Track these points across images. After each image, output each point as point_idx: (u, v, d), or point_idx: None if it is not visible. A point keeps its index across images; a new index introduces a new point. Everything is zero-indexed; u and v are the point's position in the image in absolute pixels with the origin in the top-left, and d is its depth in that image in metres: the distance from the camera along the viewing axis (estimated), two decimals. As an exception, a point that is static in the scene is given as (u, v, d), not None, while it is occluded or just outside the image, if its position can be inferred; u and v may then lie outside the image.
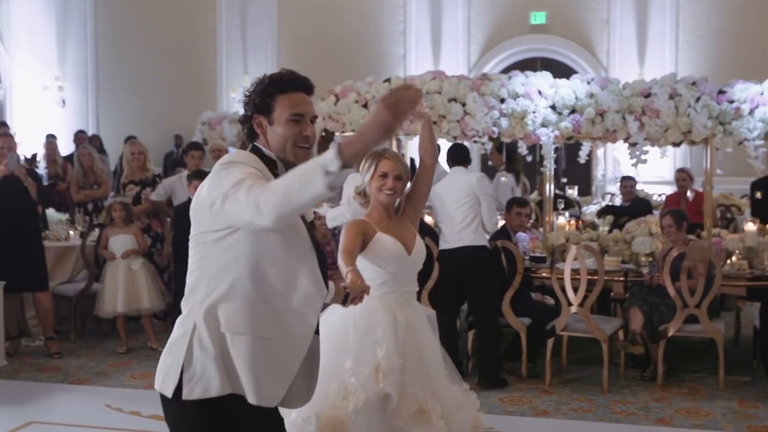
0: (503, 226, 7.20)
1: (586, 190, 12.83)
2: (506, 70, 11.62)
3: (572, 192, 10.59)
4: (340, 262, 3.55)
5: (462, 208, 6.63)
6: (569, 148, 10.24)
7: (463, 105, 7.69)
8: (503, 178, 9.21)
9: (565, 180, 10.78)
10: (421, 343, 3.80)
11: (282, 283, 2.76)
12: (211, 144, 9.52)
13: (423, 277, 7.03)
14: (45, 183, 9.41)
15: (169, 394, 2.74)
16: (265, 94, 2.84)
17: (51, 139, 11.06)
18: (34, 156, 10.09)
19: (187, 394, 2.71)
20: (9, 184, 7.30)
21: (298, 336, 2.82)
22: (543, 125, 7.59)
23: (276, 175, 2.75)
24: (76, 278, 8.34)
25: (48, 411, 6.07)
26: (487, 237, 6.85)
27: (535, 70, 8.23)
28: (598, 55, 15.15)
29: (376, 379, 3.59)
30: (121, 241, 7.75)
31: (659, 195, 11.41)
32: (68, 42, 17.50)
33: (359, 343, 3.68)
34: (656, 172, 12.46)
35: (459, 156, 6.87)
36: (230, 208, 2.58)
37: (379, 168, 3.85)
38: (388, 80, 8.16)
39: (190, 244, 2.81)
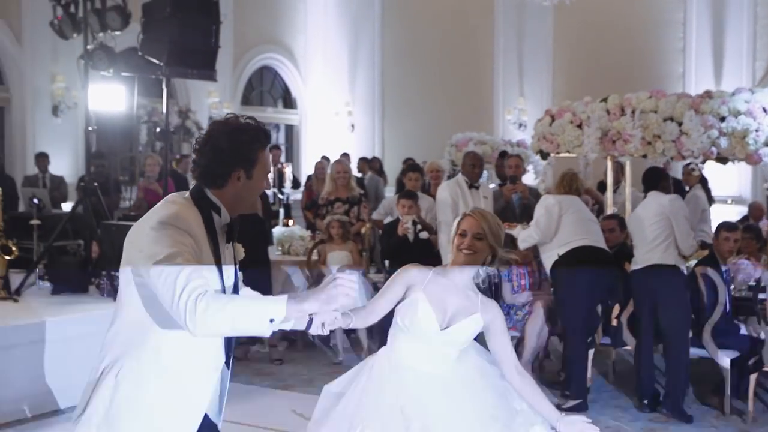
0: (711, 252, 6.74)
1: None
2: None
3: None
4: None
5: (652, 227, 6.40)
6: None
7: (680, 124, 7.31)
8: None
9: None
10: None
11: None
12: (429, 165, 9.73)
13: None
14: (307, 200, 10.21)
15: None
16: (250, 148, 2.83)
17: (276, 151, 11.88)
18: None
19: None
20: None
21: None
22: (766, 144, 7.02)
23: (212, 220, 2.84)
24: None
25: (236, 411, 6.51)
26: (684, 261, 6.51)
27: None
28: None
29: None
30: (337, 257, 8.15)
31: None
32: (358, 69, 18.56)
33: None
34: None
35: (652, 180, 6.57)
36: (162, 287, 2.56)
37: (461, 226, 3.58)
38: (604, 100, 7.92)
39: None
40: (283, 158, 18.57)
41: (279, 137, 19.06)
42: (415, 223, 7.41)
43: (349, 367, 7.60)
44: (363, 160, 15.01)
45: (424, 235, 7.61)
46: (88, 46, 7.39)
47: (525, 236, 6.76)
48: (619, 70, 14.90)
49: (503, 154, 8.63)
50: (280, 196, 9.93)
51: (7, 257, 7.18)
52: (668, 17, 15.44)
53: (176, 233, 2.67)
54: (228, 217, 2.89)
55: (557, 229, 6.47)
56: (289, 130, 19.04)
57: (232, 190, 2.85)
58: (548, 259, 6.55)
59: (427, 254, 7.09)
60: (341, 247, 8.18)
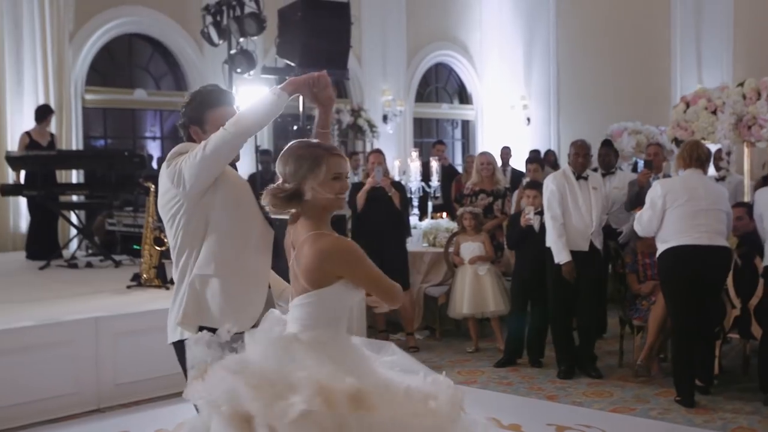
0: None
1: None
2: None
3: None
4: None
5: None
6: None
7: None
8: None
9: None
10: None
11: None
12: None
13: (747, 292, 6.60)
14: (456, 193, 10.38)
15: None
16: (199, 110, 3.61)
17: (440, 146, 12.01)
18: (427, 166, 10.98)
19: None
20: (376, 194, 8.30)
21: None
22: None
23: None
24: (448, 281, 9.09)
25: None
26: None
27: None
28: None
29: None
30: (470, 248, 8.31)
31: None
32: (533, 63, 18.52)
33: None
34: None
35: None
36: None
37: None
38: (741, 85, 7.65)
39: None
40: (456, 153, 18.91)
41: (456, 133, 19.33)
42: (541, 213, 7.42)
43: (484, 355, 7.84)
44: (534, 153, 14.97)
45: (551, 224, 7.61)
46: (231, 51, 7.92)
47: (631, 226, 6.71)
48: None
49: (606, 143, 8.42)
50: (427, 190, 10.16)
51: (159, 248, 7.85)
52: None
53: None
54: None
55: (660, 225, 6.30)
56: (465, 125, 19.26)
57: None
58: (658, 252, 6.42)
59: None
60: (474, 238, 8.34)
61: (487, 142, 17.95)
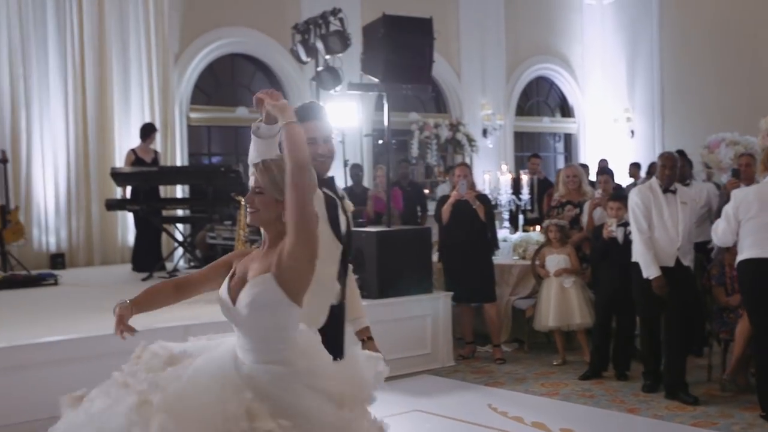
0: None
1: None
2: None
3: None
4: None
5: None
6: None
7: None
8: None
9: None
10: None
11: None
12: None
13: None
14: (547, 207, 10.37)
15: None
16: None
17: (535, 160, 11.94)
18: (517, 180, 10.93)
19: None
20: (461, 207, 8.38)
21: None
22: None
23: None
24: (536, 294, 9.06)
25: (435, 403, 6.92)
26: None
27: None
28: None
29: None
30: (555, 260, 8.29)
31: None
32: (637, 75, 18.27)
33: None
34: None
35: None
36: None
37: None
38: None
39: None
40: (559, 167, 18.72)
41: (558, 146, 19.20)
42: (626, 225, 7.35)
43: (571, 368, 7.81)
44: (634, 166, 14.77)
45: (637, 237, 7.52)
46: (318, 68, 8.14)
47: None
48: None
49: (679, 154, 8.21)
50: (518, 203, 10.18)
51: (251, 256, 8.12)
52: None
53: None
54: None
55: (737, 236, 6.15)
56: (568, 138, 19.12)
57: None
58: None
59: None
60: (559, 250, 8.32)
61: (590, 155, 17.78)
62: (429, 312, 8.13)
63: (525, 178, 10.21)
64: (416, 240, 8.24)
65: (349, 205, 3.95)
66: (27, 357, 5.96)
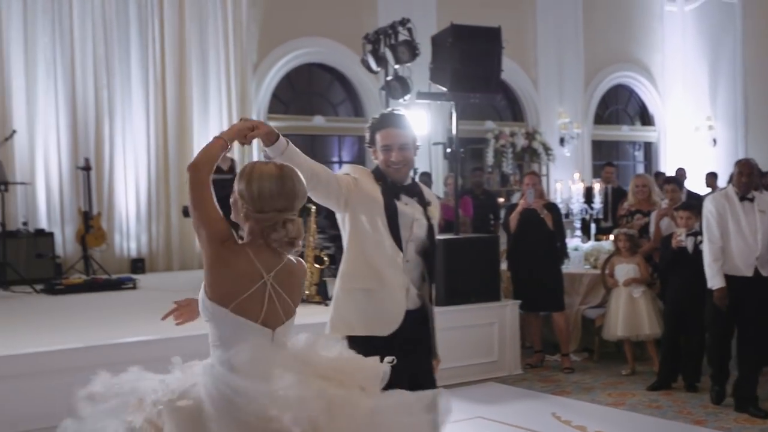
0: None
1: None
2: None
3: None
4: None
5: None
6: None
7: None
8: None
9: None
10: None
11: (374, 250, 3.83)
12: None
13: None
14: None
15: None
16: (371, 132, 3.96)
17: (609, 168, 11.83)
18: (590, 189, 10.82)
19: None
20: (528, 216, 8.38)
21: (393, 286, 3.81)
22: None
23: (382, 185, 3.90)
24: (606, 303, 8.99)
25: (497, 410, 6.93)
26: None
27: None
28: None
29: None
30: (624, 270, 8.22)
31: None
32: (719, 83, 17.95)
33: None
34: None
35: None
36: None
37: None
38: None
39: None
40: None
41: (637, 155, 18.96)
42: (696, 234, 7.25)
43: (640, 378, 7.74)
44: (710, 176, 14.53)
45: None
46: (388, 78, 8.25)
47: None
48: None
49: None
50: (590, 212, 10.12)
51: (319, 266, 8.27)
52: None
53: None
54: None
55: None
56: (648, 147, 18.88)
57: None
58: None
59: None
60: (628, 260, 8.24)
61: (670, 164, 17.52)
62: (496, 320, 8.15)
63: (597, 186, 10.12)
64: (484, 248, 8.27)
65: (435, 212, 4.04)
66: (106, 357, 6.16)
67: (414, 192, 4.00)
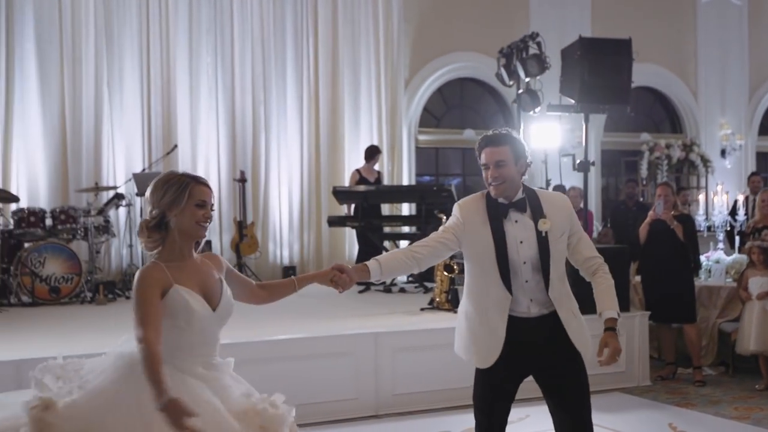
0: None
1: None
2: None
3: None
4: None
5: None
6: None
7: None
8: None
9: None
10: None
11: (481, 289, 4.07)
12: None
13: None
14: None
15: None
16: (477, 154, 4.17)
17: (755, 178, 11.42)
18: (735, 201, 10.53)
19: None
20: (659, 227, 8.34)
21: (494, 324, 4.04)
22: None
23: (489, 208, 4.10)
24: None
25: (613, 418, 6.91)
26: None
27: None
28: None
29: None
30: (758, 283, 8.06)
31: None
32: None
33: None
34: None
35: None
36: None
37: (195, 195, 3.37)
38: None
39: None
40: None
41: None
42: (830, 248, 7.08)
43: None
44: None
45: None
46: (519, 91, 8.44)
47: None
48: None
49: None
50: (733, 224, 9.90)
51: (449, 275, 8.53)
52: None
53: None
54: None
55: None
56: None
57: None
58: None
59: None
60: (762, 273, 8.08)
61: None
62: (624, 330, 8.12)
63: (741, 198, 9.90)
64: (613, 258, 8.23)
65: (546, 224, 4.05)
66: (267, 352, 6.85)
67: (525, 206, 4.07)
